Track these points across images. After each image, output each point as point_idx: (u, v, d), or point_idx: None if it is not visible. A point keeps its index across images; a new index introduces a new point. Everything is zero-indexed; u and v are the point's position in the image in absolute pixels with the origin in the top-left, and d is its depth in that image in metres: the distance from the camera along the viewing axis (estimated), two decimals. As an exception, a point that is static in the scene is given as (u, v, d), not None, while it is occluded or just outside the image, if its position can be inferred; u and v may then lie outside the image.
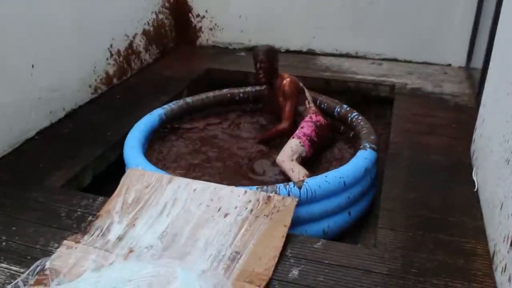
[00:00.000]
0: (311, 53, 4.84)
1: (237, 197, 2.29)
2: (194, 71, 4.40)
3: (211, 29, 5.05)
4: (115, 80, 4.03)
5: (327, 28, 4.68)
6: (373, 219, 2.91)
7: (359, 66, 4.45)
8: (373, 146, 2.84)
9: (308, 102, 3.27)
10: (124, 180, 2.48)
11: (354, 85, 4.11)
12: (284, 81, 3.20)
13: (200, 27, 5.08)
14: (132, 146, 2.89)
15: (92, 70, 3.74)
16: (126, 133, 3.11)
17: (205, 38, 5.12)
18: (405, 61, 4.56)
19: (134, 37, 4.27)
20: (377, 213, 2.93)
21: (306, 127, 3.06)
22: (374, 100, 4.20)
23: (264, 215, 2.17)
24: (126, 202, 2.34)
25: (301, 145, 2.95)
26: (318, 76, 4.19)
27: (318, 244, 2.11)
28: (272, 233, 2.09)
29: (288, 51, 4.90)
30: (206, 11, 5.00)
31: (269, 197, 2.26)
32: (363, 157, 2.74)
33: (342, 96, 4.16)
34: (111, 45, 3.94)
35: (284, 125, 3.20)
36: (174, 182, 2.42)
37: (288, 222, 2.13)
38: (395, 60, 4.58)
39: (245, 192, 2.30)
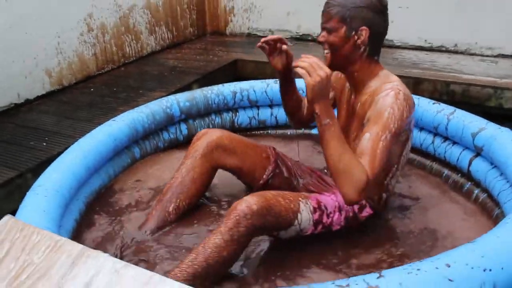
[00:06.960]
0: (386, 45, 3.36)
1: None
2: (213, 62, 3.06)
3: (246, 10, 3.98)
4: (93, 69, 2.74)
5: (412, 8, 3.23)
6: None
7: (462, 64, 2.95)
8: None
9: None
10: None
11: (460, 88, 2.60)
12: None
13: (232, 8, 4.01)
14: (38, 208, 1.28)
15: (55, 48, 2.47)
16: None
17: (237, 23, 4.07)
18: (533, 59, 3.00)
19: (131, 10, 2.98)
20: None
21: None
22: (488, 113, 2.67)
23: None
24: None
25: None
26: (403, 73, 2.72)
27: None
28: None
29: (353, 42, 3.48)
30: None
31: None
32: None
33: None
34: (89, 15, 2.67)
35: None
36: (89, 262, 1.00)
37: None
38: (518, 56, 3.05)
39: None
